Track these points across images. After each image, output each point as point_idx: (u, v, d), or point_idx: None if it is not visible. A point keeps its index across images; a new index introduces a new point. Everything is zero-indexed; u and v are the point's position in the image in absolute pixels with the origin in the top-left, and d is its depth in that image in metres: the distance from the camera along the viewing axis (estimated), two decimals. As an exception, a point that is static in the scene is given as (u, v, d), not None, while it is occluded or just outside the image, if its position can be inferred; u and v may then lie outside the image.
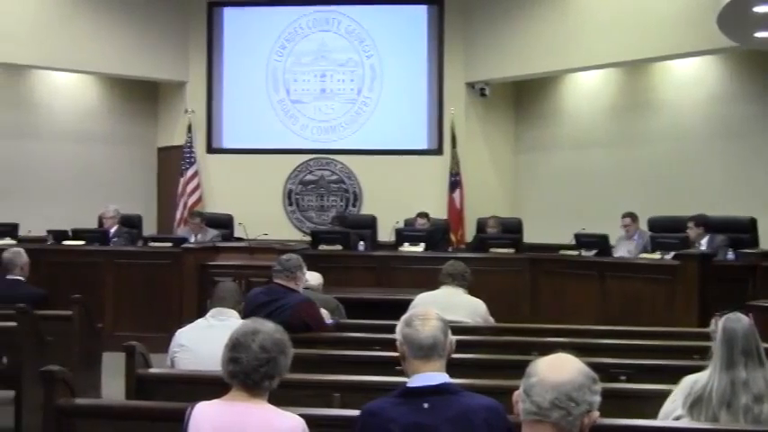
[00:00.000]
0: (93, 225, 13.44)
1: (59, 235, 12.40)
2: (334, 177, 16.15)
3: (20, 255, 8.49)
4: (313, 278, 8.15)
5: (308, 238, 13.12)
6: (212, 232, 13.30)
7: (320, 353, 6.24)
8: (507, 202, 16.08)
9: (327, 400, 4.97)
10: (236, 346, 3.78)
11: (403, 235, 12.60)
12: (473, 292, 8.11)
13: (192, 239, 12.91)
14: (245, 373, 3.72)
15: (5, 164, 15.11)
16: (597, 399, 2.92)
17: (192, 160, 15.87)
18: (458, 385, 3.79)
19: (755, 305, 7.51)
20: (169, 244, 12.24)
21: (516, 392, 2.99)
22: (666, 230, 11.37)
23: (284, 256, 7.19)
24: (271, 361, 3.74)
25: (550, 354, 3.03)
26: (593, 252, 11.20)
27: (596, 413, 2.91)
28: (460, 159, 15.33)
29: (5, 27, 14.09)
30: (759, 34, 10.73)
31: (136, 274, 11.80)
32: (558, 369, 2.92)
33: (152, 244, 12.55)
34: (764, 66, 12.67)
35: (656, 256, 10.47)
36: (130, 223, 13.59)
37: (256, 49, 16.39)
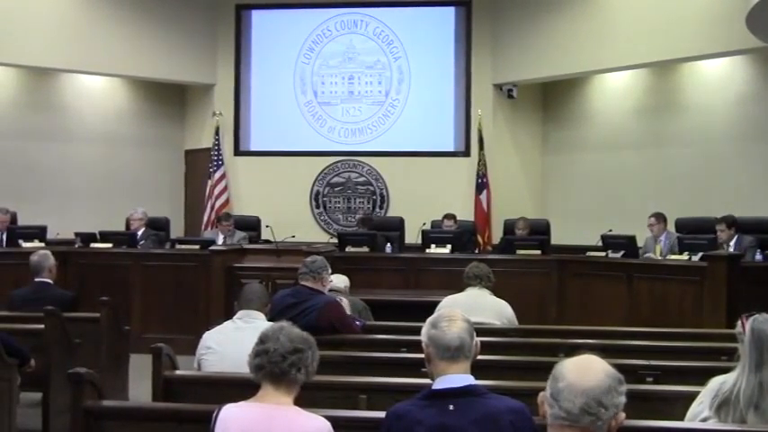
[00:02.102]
0: (121, 227, 13.47)
1: (87, 237, 12.45)
2: (362, 179, 16.16)
3: (47, 257, 8.52)
4: (339, 281, 8.17)
5: (335, 240, 13.10)
6: (240, 234, 13.34)
7: (347, 354, 6.24)
8: (534, 203, 16.04)
9: (353, 402, 4.98)
10: (263, 340, 3.82)
11: (429, 237, 12.56)
12: (501, 293, 8.10)
13: (220, 241, 12.94)
14: (273, 362, 3.74)
15: (34, 166, 15.25)
16: (623, 399, 2.91)
17: (220, 163, 15.91)
18: (483, 387, 3.77)
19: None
20: (196, 246, 12.25)
21: (541, 394, 2.98)
22: (693, 231, 11.33)
23: (309, 258, 7.19)
24: (298, 351, 3.78)
25: (576, 355, 3.01)
26: (621, 253, 11.15)
27: (623, 414, 2.90)
28: (488, 161, 15.29)
29: (35, 31, 14.23)
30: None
31: (163, 277, 11.85)
32: (586, 373, 2.90)
33: (179, 246, 12.59)
34: (794, 66, 12.64)
35: (684, 257, 10.43)
36: (158, 226, 13.66)
37: (284, 52, 16.44)
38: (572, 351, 3.14)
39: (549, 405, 2.91)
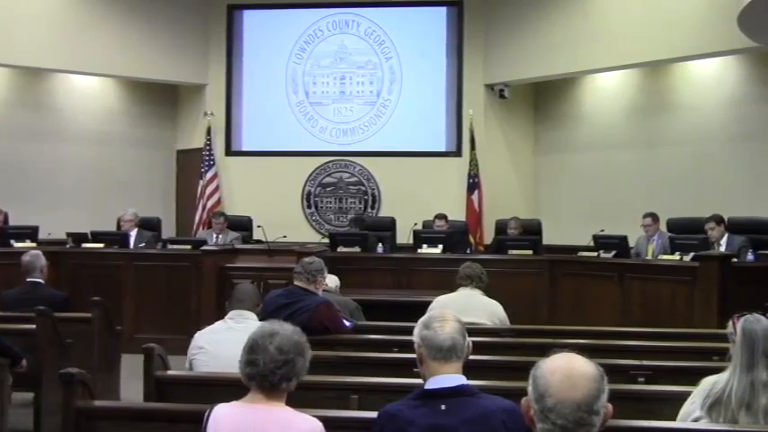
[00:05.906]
0: (113, 227, 13.43)
1: (79, 238, 12.42)
2: (353, 179, 16.15)
3: (39, 257, 8.51)
4: (330, 280, 8.14)
5: (327, 241, 13.09)
6: (232, 234, 13.31)
7: (339, 354, 6.24)
8: (526, 203, 16.03)
9: (345, 402, 4.97)
10: (253, 349, 3.77)
11: (421, 237, 12.53)
12: (492, 293, 8.10)
13: (212, 242, 12.91)
14: (263, 376, 3.72)
15: (26, 166, 15.20)
16: (608, 391, 2.80)
17: (212, 163, 15.89)
18: (475, 387, 3.77)
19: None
20: (188, 246, 12.23)
21: (525, 400, 2.86)
22: (685, 232, 11.31)
23: (307, 259, 7.18)
24: (288, 363, 3.74)
25: (553, 356, 2.89)
26: (612, 253, 11.15)
27: (610, 405, 2.80)
28: (479, 161, 15.28)
29: (26, 31, 14.21)
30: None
31: (155, 277, 11.83)
32: (574, 386, 2.76)
33: (171, 246, 12.56)
34: (785, 66, 12.64)
35: (676, 257, 10.43)
36: (149, 226, 13.58)
37: (276, 52, 16.42)
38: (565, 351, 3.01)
39: (539, 420, 2.79)
